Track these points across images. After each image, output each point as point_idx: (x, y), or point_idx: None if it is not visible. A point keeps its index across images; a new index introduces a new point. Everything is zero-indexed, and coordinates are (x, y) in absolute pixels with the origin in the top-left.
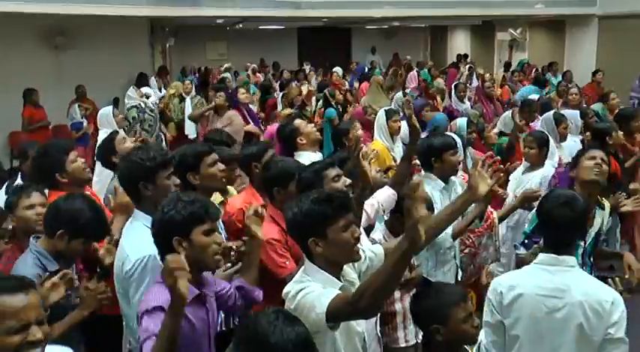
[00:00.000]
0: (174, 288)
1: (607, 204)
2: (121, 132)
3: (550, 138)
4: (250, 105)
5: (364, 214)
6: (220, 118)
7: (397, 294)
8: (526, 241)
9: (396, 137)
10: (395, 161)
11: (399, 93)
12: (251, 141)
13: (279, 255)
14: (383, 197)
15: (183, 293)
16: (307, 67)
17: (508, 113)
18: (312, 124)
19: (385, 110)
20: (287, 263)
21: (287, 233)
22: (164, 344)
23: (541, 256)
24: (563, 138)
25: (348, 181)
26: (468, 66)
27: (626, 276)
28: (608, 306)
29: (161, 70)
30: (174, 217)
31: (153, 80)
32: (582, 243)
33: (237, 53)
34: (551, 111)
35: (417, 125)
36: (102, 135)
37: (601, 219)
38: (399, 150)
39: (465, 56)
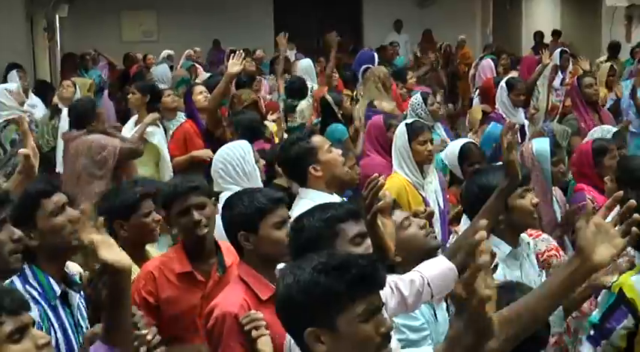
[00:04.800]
0: None
1: None
2: None
3: None
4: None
5: (393, 295)
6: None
7: None
8: (593, 333)
9: (427, 167)
10: (426, 204)
11: (417, 96)
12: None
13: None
14: (433, 272)
15: None
16: (292, 53)
17: None
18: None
19: (407, 124)
20: None
21: (262, 301)
22: None
23: None
24: None
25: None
26: (560, 50)
27: None
28: None
29: (67, 61)
30: None
31: (14, 74)
32: None
33: (173, 32)
34: None
35: (518, 161)
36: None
37: None
38: (433, 187)
39: (557, 34)
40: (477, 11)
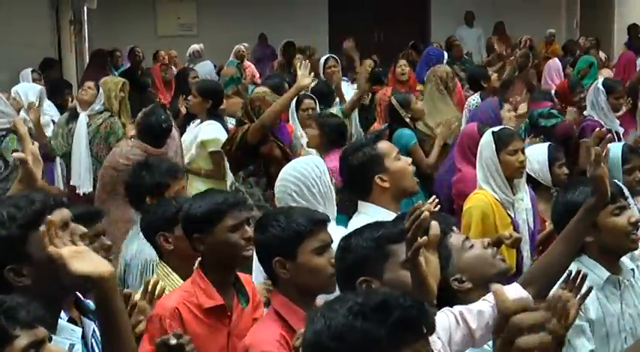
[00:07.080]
0: None
1: None
2: None
3: None
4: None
5: (459, 327)
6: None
7: None
8: None
9: (517, 182)
10: (514, 227)
11: (475, 97)
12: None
13: None
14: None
15: None
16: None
17: None
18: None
19: (494, 132)
20: None
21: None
22: None
23: None
24: None
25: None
26: None
27: None
28: None
29: (96, 59)
30: None
31: (27, 74)
32: None
33: (214, 25)
34: None
35: (607, 176)
36: None
37: None
38: (524, 205)
39: None
40: (562, 2)
